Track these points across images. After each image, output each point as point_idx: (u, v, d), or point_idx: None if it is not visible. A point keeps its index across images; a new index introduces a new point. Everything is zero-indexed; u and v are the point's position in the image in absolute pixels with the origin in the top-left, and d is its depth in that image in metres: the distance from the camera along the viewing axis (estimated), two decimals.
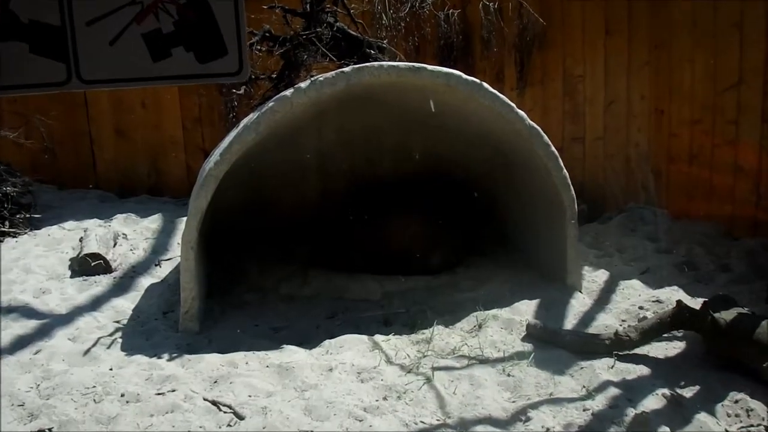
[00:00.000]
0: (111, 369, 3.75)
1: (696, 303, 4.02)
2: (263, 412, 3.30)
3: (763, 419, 3.19)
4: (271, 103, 4.17)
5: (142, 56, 2.31)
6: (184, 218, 4.45)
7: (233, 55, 2.37)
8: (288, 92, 4.18)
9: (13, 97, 5.95)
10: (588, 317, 4.23)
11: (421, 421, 3.26)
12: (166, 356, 3.88)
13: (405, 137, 5.22)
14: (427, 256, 4.93)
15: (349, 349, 3.88)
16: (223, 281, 4.88)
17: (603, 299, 4.47)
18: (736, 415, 3.23)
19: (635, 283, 4.66)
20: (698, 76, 5.54)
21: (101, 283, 4.92)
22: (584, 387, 3.48)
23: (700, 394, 3.40)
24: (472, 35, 6.45)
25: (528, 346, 3.86)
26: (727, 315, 3.65)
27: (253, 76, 5.41)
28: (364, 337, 4.00)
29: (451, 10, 6.26)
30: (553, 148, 4.38)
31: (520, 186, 5.01)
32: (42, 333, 4.22)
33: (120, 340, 4.10)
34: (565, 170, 4.40)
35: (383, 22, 6.01)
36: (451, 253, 5.03)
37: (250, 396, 3.46)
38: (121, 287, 4.88)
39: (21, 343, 4.10)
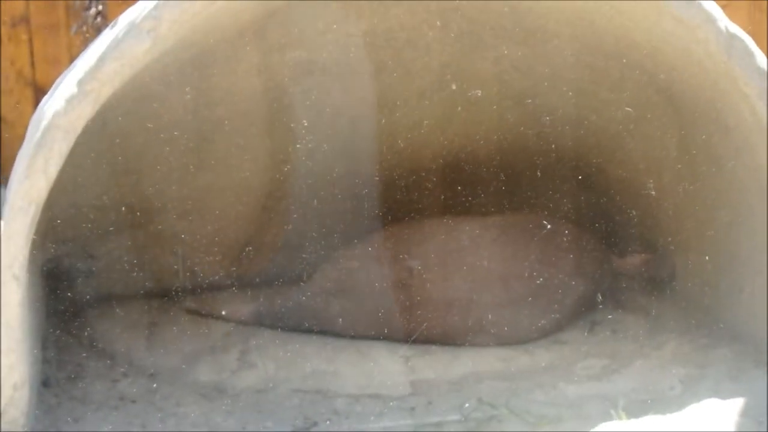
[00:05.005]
0: None
1: None
2: None
3: None
4: None
5: None
6: None
7: None
8: None
9: None
10: None
11: None
12: None
13: (466, 63, 2.69)
14: (505, 308, 2.52)
15: None
16: (74, 354, 2.50)
17: None
18: None
19: None
20: None
21: None
22: None
23: None
24: None
25: None
26: None
27: None
28: None
29: None
30: None
31: (701, 170, 2.65)
32: None
33: None
34: None
35: None
36: (557, 304, 2.59)
37: None
38: None
39: None
